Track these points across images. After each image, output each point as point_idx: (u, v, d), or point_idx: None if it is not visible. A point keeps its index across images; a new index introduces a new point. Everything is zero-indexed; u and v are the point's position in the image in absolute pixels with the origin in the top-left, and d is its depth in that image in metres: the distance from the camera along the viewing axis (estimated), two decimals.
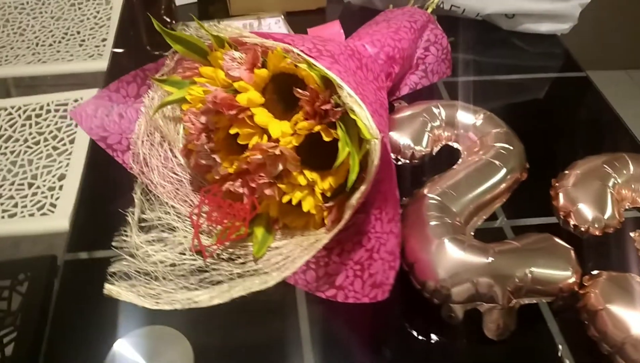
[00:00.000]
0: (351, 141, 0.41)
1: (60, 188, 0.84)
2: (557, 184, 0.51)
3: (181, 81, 0.50)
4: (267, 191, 0.44)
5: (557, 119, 0.66)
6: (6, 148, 0.90)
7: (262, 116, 0.43)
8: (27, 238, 0.80)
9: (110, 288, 0.39)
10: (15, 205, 0.81)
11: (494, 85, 0.71)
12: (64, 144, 0.90)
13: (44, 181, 0.85)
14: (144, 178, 0.49)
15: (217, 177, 0.47)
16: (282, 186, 0.44)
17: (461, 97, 0.67)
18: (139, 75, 0.51)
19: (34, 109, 0.96)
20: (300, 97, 0.42)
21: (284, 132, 0.43)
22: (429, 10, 0.69)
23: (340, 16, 0.81)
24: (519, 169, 0.51)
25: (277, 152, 0.42)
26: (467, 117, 0.55)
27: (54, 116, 0.95)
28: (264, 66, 0.44)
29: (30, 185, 0.84)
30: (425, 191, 0.47)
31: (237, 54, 0.44)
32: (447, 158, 0.55)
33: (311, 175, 0.44)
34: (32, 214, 0.80)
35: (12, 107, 0.96)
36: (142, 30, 0.80)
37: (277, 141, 0.43)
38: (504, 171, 0.50)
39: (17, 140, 0.91)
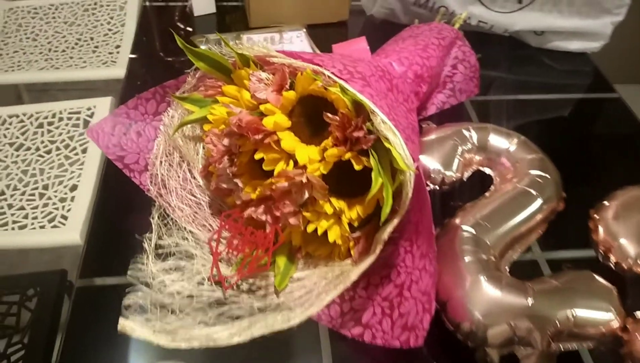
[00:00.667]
0: (383, 170, 0.39)
1: (72, 199, 0.82)
2: (595, 216, 0.49)
3: (203, 99, 0.48)
4: (292, 220, 0.41)
5: (590, 143, 0.63)
6: (17, 156, 0.88)
7: (289, 141, 0.40)
8: (36, 250, 0.78)
9: (124, 324, 0.37)
10: (26, 216, 0.79)
11: (522, 105, 0.68)
12: (76, 154, 0.88)
13: (55, 191, 0.83)
14: (162, 201, 0.46)
15: (238, 202, 0.44)
16: (306, 214, 0.42)
17: (490, 117, 0.65)
18: (158, 92, 0.49)
19: (46, 117, 0.94)
20: (331, 123, 0.39)
21: (312, 158, 0.40)
22: (456, 26, 0.67)
23: (362, 29, 0.79)
24: (555, 199, 0.48)
25: (304, 180, 0.39)
26: (500, 141, 0.52)
27: (67, 124, 0.94)
28: (291, 87, 0.42)
29: (42, 196, 0.82)
30: (458, 221, 0.45)
31: (264, 75, 0.42)
32: (478, 183, 0.52)
33: (338, 203, 0.42)
34: (42, 226, 0.78)
35: (24, 115, 0.95)
36: (157, 37, 0.79)
37: (304, 167, 0.40)
38: (540, 200, 0.47)
39: (28, 148, 0.90)
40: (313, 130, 0.43)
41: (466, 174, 0.53)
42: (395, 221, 0.38)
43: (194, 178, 0.49)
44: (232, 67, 0.46)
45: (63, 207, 0.81)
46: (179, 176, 0.48)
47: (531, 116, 0.67)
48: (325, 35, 0.75)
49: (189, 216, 0.46)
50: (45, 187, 0.84)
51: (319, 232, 0.42)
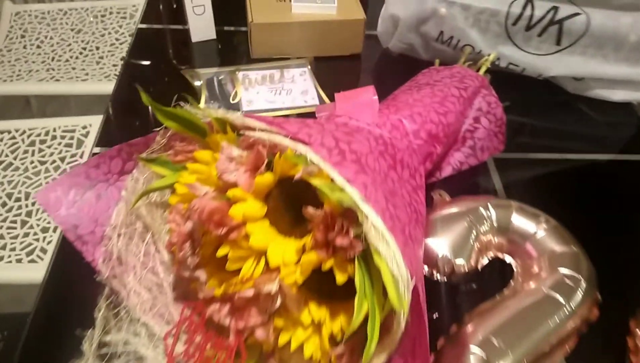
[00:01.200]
0: (373, 285, 0.31)
1: (55, 229, 0.76)
2: (637, 330, 0.40)
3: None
4: (259, 333, 0.34)
5: (634, 224, 0.53)
6: (4, 176, 0.83)
7: (260, 237, 0.33)
8: (8, 286, 0.72)
9: None
10: (4, 247, 0.74)
11: (553, 164, 0.59)
12: None
13: (39, 219, 0.78)
14: (116, 284, 0.40)
15: (201, 296, 0.37)
16: (278, 321, 0.35)
17: (512, 177, 0.56)
18: (124, 149, 0.42)
19: (38, 134, 0.89)
20: (311, 220, 0.32)
21: (286, 260, 0.33)
22: (482, 69, 0.58)
23: (376, 63, 0.71)
24: (588, 306, 0.40)
25: (275, 289, 0.32)
26: (525, 224, 0.44)
27: (59, 143, 0.88)
28: (269, 166, 0.35)
29: (24, 223, 0.77)
30: (467, 334, 0.37)
31: (236, 152, 0.34)
32: (496, 274, 0.44)
33: (319, 313, 0.34)
34: (19, 260, 0.72)
35: (17, 131, 0.90)
36: (169, 44, 0.72)
37: (277, 268, 0.33)
38: (569, 309, 0.39)
39: (17, 168, 0.85)
40: (295, 216, 0.36)
41: (482, 262, 0.44)
42: (383, 358, 0.30)
43: (159, 251, 0.42)
44: (208, 129, 0.39)
45: (44, 238, 0.75)
46: (140, 251, 0.41)
47: (563, 180, 0.58)
48: (334, 69, 0.67)
49: (147, 302, 0.39)
50: (29, 214, 0.78)
51: (293, 346, 0.34)
